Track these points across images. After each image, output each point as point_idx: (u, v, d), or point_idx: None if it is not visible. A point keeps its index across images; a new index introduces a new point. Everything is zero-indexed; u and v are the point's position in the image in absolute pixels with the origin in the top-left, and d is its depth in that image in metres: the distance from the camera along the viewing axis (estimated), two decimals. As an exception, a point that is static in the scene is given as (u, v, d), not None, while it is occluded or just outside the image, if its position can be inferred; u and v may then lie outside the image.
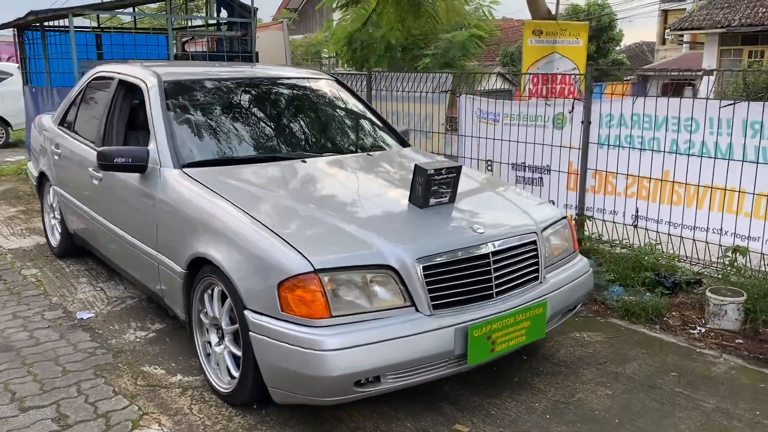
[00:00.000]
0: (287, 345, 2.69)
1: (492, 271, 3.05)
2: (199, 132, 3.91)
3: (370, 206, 3.34)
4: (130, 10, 9.38)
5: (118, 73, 4.57)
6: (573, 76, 7.30)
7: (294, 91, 4.51)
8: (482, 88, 6.46)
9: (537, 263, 3.29)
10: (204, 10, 9.11)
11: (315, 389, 2.71)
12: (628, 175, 5.15)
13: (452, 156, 6.48)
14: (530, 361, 3.67)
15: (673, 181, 4.90)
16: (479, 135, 6.18)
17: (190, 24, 10.52)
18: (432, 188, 3.22)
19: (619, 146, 5.19)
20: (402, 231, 3.07)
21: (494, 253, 3.08)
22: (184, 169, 3.58)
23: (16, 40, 9.76)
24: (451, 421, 3.06)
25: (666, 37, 29.74)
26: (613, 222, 5.30)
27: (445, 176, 3.24)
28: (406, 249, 2.88)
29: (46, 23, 8.95)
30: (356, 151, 4.15)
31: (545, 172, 5.78)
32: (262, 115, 4.17)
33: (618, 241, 5.20)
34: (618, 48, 30.00)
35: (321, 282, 2.70)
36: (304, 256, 2.74)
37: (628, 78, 24.27)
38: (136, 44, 10.35)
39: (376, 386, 2.79)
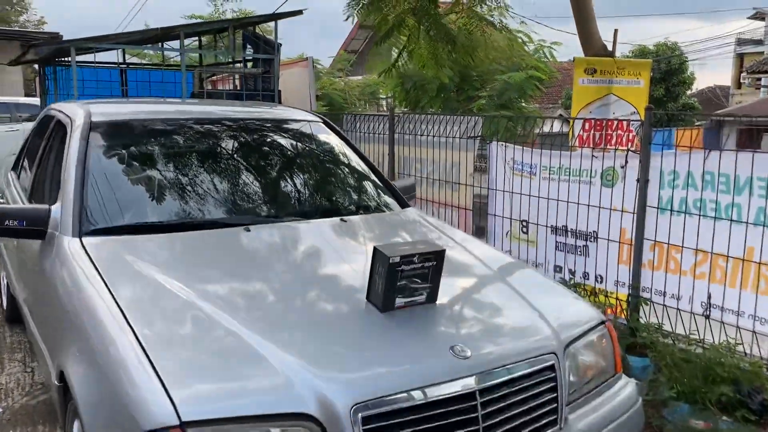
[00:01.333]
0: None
1: (480, 419, 1.99)
2: (121, 187, 3.02)
3: (312, 307, 2.33)
4: (138, 44, 8.82)
5: (58, 111, 3.76)
6: (631, 123, 6.16)
7: (262, 136, 3.58)
8: (539, 132, 5.38)
9: (555, 399, 2.21)
10: (231, 47, 8.39)
11: None
12: (697, 250, 3.98)
13: (480, 213, 5.42)
14: None
15: (759, 262, 3.71)
16: (512, 190, 5.11)
17: (214, 60, 9.89)
18: (399, 283, 2.20)
19: (685, 212, 4.03)
20: (342, 354, 2.05)
21: (484, 392, 2.02)
22: (85, 238, 2.67)
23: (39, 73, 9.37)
24: None
25: (742, 81, 27.93)
26: (677, 309, 4.11)
27: (419, 267, 2.22)
28: (338, 389, 1.86)
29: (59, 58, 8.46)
30: (328, 215, 3.14)
31: (591, 240, 4.65)
32: (211, 166, 3.24)
33: (684, 336, 4.00)
34: (689, 92, 28.32)
35: None
36: (172, 402, 1.75)
37: (699, 123, 22.68)
38: (164, 81, 9.81)
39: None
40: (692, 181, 4.02)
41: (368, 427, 1.84)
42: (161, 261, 2.52)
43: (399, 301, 2.21)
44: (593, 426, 2.28)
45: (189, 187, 3.06)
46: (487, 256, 2.93)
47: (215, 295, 2.24)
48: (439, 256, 2.26)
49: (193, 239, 2.71)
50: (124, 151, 3.19)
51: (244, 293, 2.34)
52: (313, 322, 2.18)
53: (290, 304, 2.30)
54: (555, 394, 2.21)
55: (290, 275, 2.52)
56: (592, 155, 4.58)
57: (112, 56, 11.70)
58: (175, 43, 8.06)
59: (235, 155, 3.33)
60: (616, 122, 6.19)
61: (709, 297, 3.96)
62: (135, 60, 13.46)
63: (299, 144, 3.62)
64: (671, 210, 4.10)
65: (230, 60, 9.21)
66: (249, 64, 9.12)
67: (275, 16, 8.14)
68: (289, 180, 3.36)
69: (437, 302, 2.31)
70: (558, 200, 4.74)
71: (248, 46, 9.11)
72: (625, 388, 2.53)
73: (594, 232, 4.61)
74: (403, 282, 2.20)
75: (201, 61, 10.08)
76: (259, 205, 3.09)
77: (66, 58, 8.52)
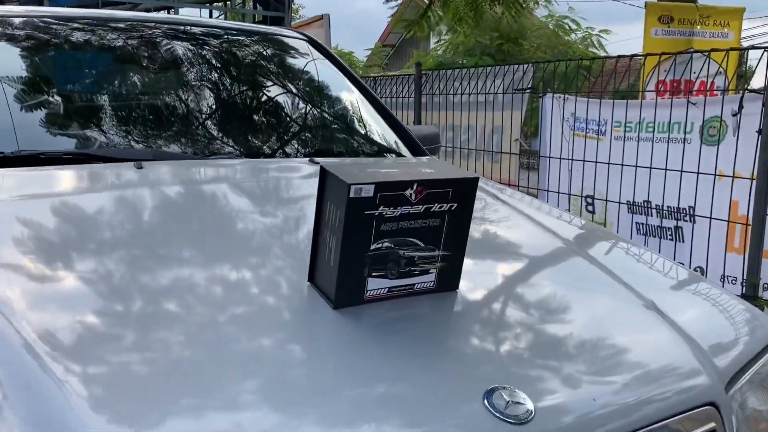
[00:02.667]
0: None
1: None
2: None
3: (195, 314, 1.12)
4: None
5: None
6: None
7: (199, 45, 2.34)
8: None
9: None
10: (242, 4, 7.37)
11: None
12: None
13: (529, 191, 4.19)
14: None
15: None
16: (572, 156, 3.87)
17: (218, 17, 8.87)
18: (374, 246, 1.01)
19: (838, 174, 2.75)
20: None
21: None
22: None
23: None
24: None
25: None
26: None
27: (420, 213, 1.02)
28: None
29: None
30: (290, 155, 1.94)
31: (686, 219, 3.39)
32: (102, 73, 2.06)
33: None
34: None
35: None
36: None
37: None
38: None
39: None
40: None
41: None
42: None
43: (374, 285, 1.03)
44: None
45: (56, 100, 1.89)
46: (566, 225, 1.70)
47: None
48: (464, 188, 1.05)
49: (37, 180, 1.54)
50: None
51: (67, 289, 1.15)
52: (187, 348, 0.99)
53: (157, 310, 1.09)
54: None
55: (182, 245, 1.31)
56: (688, 101, 3.32)
57: None
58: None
59: (148, 65, 2.14)
60: (696, 82, 4.88)
61: None
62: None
63: (263, 61, 2.41)
64: (814, 171, 2.82)
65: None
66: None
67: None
68: (235, 103, 2.15)
69: (460, 291, 1.12)
70: (637, 166, 3.48)
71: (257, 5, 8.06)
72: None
73: (690, 208, 3.34)
74: (384, 243, 1.01)
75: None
76: (173, 133, 1.90)
77: None
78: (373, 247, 1.01)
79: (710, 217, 3.19)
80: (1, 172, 1.47)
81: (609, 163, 3.63)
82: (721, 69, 5.70)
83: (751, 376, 1.21)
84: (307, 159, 1.84)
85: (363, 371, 0.92)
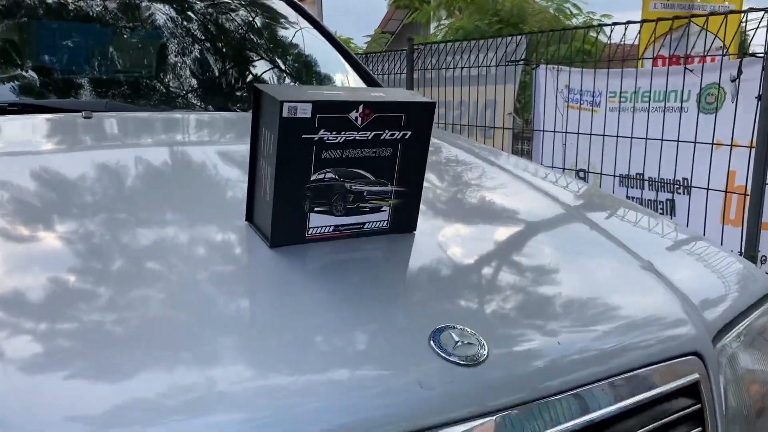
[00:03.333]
0: None
1: None
2: None
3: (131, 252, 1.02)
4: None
5: None
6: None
7: None
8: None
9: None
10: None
11: None
12: None
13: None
14: None
15: None
16: (567, 129, 3.75)
17: None
18: (315, 177, 0.90)
19: (840, 140, 2.63)
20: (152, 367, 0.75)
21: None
22: None
23: None
24: None
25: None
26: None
27: (367, 140, 0.91)
28: None
29: None
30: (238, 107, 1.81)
31: (681, 191, 3.27)
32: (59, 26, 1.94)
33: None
34: None
35: None
36: None
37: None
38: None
39: None
40: None
41: None
42: None
43: (317, 221, 0.92)
44: None
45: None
46: (555, 184, 1.58)
47: None
48: (418, 114, 0.94)
49: None
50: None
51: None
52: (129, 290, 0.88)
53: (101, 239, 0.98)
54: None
55: (117, 192, 1.19)
56: (685, 68, 3.19)
57: None
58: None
59: (104, 14, 2.00)
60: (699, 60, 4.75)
61: None
62: None
63: (223, 12, 2.28)
64: (815, 137, 2.70)
65: None
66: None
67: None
68: (193, 56, 2.02)
69: (417, 233, 1.01)
70: (632, 137, 3.36)
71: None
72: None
73: (685, 179, 3.22)
74: (327, 174, 0.90)
75: None
76: (128, 85, 1.77)
77: None
78: (313, 177, 0.90)
79: (707, 188, 3.07)
80: None
81: (603, 135, 3.51)
82: (718, 39, 5.55)
83: (742, 330, 1.10)
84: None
85: (303, 315, 0.81)
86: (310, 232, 0.92)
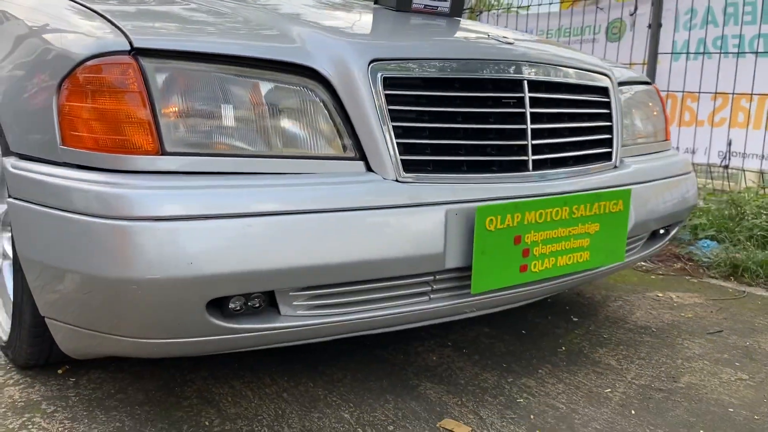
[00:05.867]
0: (66, 214, 1.19)
1: (527, 117, 1.54)
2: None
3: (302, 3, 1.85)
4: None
5: None
6: None
7: None
8: None
9: (610, 130, 1.78)
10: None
11: (121, 316, 1.20)
12: (716, 94, 3.61)
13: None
14: (584, 322, 2.12)
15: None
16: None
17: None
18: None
19: (704, 53, 3.65)
20: (362, 25, 1.66)
21: (533, 86, 1.57)
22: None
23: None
24: (436, 411, 1.52)
25: None
26: (693, 164, 3.73)
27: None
28: (352, 44, 1.39)
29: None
30: None
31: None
32: None
33: (700, 187, 3.63)
34: None
35: (144, 76, 1.20)
36: (120, 31, 1.25)
37: None
38: None
39: (263, 319, 1.28)
40: (712, 17, 3.64)
41: (391, 93, 1.37)
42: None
43: (418, 2, 1.75)
44: (650, 172, 1.86)
45: None
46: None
47: None
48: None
49: None
50: None
51: None
52: (311, 12, 1.70)
53: None
54: (609, 123, 1.78)
55: None
56: (597, 6, 4.17)
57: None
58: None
59: None
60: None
61: (729, 145, 3.59)
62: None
63: None
64: (687, 53, 3.72)
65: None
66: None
67: None
68: None
69: (462, 19, 1.87)
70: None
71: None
72: (677, 156, 2.11)
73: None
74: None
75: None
76: None
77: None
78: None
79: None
80: None
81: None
82: None
83: (632, 94, 2.00)
84: None
85: (413, 23, 1.63)
86: (414, 5, 1.75)
